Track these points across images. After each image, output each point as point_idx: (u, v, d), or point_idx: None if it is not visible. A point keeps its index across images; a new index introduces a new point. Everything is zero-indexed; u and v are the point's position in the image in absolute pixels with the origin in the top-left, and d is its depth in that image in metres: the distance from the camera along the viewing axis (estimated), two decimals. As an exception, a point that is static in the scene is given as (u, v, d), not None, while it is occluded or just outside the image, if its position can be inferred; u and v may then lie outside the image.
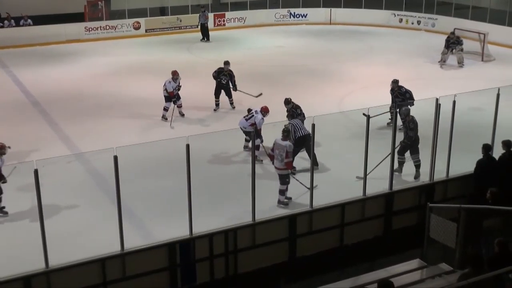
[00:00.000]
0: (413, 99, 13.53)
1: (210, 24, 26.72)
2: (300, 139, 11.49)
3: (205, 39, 25.17)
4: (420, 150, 11.26)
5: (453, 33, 20.78)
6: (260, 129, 12.24)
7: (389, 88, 14.07)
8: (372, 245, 10.43)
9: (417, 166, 11.36)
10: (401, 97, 13.74)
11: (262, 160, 12.05)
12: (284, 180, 10.48)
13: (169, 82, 14.88)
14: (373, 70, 19.89)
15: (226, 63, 15.71)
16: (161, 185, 11.14)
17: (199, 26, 25.61)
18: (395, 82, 13.99)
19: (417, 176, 11.33)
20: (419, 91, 14.93)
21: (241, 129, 12.55)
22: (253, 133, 10.01)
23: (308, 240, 10.00)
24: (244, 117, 12.60)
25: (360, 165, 10.32)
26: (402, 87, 13.96)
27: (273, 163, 10.55)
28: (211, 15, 27.21)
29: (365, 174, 10.23)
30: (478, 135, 11.66)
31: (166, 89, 14.87)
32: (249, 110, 12.75)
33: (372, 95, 15.16)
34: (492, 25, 23.62)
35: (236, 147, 12.73)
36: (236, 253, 9.51)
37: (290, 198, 10.56)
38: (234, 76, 15.62)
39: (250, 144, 12.30)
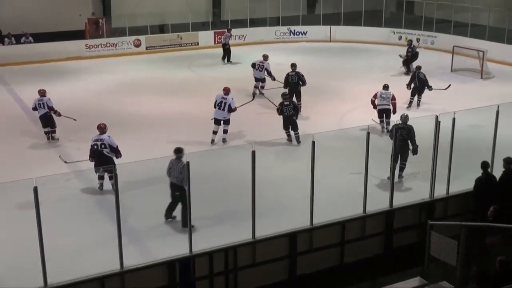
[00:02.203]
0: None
1: (211, 41, 26.92)
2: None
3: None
4: (419, 167, 11.22)
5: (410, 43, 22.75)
6: (235, 108, 13.82)
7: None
8: (372, 263, 10.39)
9: (401, 169, 11.79)
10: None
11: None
12: (388, 114, 14.43)
13: (268, 63, 17.98)
14: (373, 87, 19.84)
15: (293, 65, 16.93)
16: (161, 203, 11.10)
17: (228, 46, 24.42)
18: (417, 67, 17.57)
19: (400, 176, 11.74)
20: (419, 108, 15.01)
21: (217, 119, 13.71)
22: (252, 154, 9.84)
23: (309, 258, 9.96)
24: (219, 108, 13.64)
25: (360, 181, 10.33)
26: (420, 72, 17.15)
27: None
28: (211, 33, 27.40)
29: (365, 191, 10.22)
30: (478, 152, 11.65)
31: (266, 69, 17.98)
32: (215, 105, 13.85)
33: (373, 112, 15.17)
34: (491, 42, 23.68)
35: (237, 164, 12.69)
36: (236, 271, 9.47)
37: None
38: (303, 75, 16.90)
39: (217, 131, 13.76)
